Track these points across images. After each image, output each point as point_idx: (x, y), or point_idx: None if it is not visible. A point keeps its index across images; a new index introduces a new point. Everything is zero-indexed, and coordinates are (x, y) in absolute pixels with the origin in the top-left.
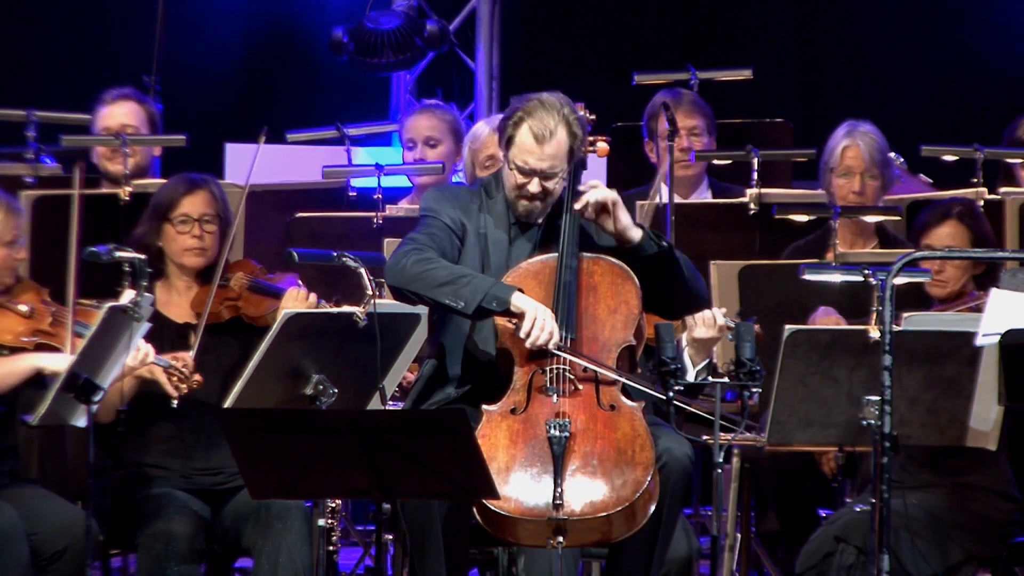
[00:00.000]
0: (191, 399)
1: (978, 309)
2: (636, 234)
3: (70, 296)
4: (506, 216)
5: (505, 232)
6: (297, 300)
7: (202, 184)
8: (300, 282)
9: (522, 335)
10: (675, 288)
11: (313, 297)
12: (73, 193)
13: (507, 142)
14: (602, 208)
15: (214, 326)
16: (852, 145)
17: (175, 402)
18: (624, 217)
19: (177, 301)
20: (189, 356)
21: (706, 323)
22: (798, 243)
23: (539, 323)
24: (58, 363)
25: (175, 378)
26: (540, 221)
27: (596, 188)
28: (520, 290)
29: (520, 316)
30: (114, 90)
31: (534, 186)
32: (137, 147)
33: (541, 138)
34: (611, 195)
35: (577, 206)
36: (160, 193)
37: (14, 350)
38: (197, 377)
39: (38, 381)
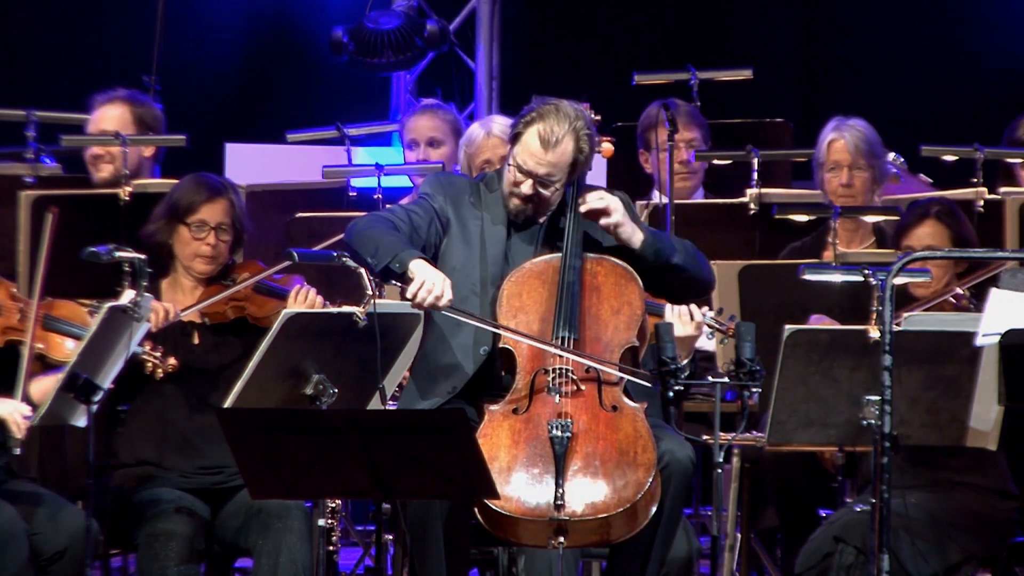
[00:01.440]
0: (194, 397)
1: (960, 308)
2: (636, 242)
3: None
4: (504, 211)
5: (504, 226)
6: (301, 302)
7: (223, 192)
8: (306, 284)
9: (408, 296)
10: (676, 281)
11: (320, 299)
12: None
13: (514, 138)
14: (603, 215)
15: (218, 325)
16: (837, 138)
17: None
18: (626, 227)
19: (182, 299)
20: (160, 305)
21: (683, 320)
22: (795, 244)
23: (427, 285)
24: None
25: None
26: (542, 220)
27: (602, 199)
28: (427, 260)
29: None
30: (103, 93)
31: (527, 187)
32: (119, 154)
33: (546, 143)
34: (615, 209)
35: (582, 209)
36: (179, 193)
37: None
38: (172, 361)
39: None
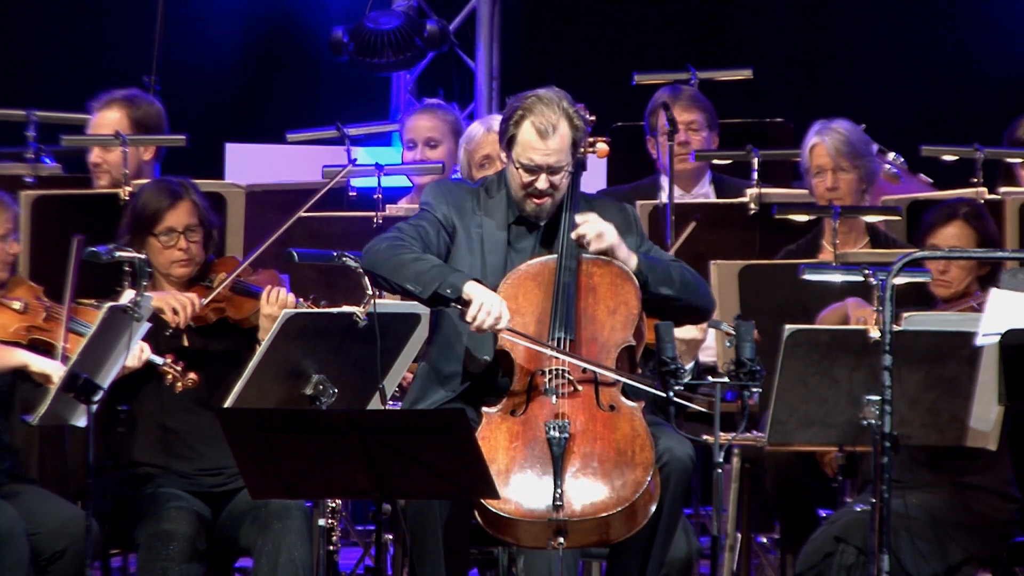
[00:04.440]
0: (190, 399)
1: (979, 309)
2: (631, 265)
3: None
4: (506, 216)
5: (504, 232)
6: (274, 303)
7: (183, 194)
8: (280, 280)
9: (468, 319)
10: (668, 311)
11: (291, 298)
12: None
13: (509, 142)
14: (595, 241)
15: (202, 328)
16: (819, 143)
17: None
18: (620, 254)
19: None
20: (185, 298)
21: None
22: (790, 247)
23: (485, 308)
24: (45, 366)
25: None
26: (541, 223)
27: (600, 236)
28: (478, 280)
29: (469, 304)
30: (102, 97)
31: (542, 183)
32: (116, 163)
33: (544, 133)
34: (609, 241)
35: (574, 235)
36: (141, 205)
37: (6, 345)
38: (192, 375)
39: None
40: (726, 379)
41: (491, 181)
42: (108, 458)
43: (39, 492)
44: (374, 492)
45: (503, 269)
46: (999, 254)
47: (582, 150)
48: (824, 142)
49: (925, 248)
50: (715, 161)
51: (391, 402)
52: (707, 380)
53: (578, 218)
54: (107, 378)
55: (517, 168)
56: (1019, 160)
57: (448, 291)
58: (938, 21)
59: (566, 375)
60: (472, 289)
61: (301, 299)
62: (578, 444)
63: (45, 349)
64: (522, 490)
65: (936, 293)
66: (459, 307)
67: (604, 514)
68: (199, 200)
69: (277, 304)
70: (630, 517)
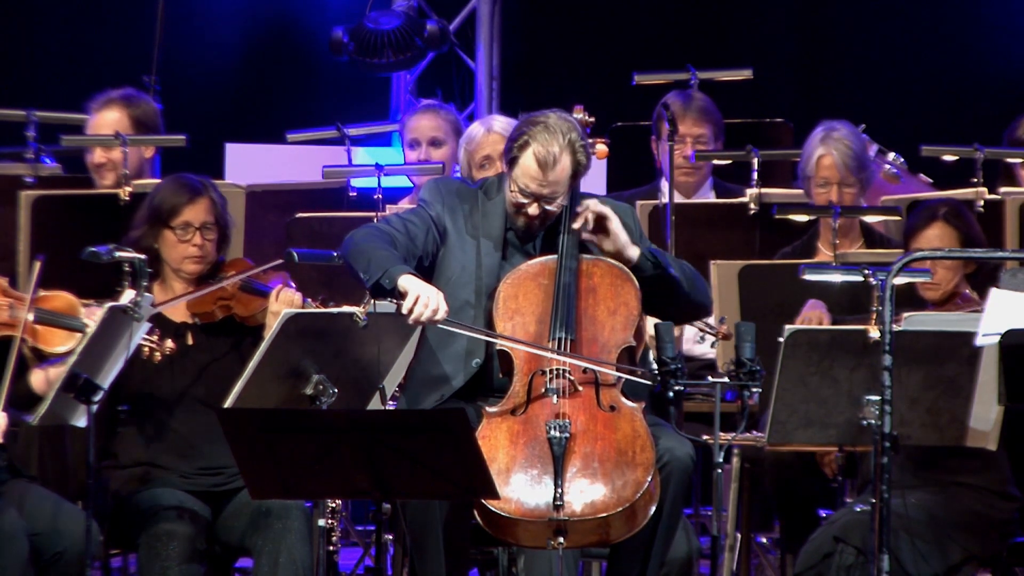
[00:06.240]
0: (190, 398)
1: (968, 307)
2: (633, 253)
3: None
4: (503, 220)
5: (500, 235)
6: (282, 301)
7: (203, 191)
8: (291, 282)
9: (404, 311)
10: (674, 300)
11: (298, 297)
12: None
13: (511, 162)
14: (599, 225)
15: (207, 325)
16: (827, 154)
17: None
18: (621, 236)
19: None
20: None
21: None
22: (785, 249)
23: (422, 300)
24: None
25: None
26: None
27: (604, 214)
28: (416, 275)
29: (405, 295)
30: (100, 96)
31: (534, 209)
32: (121, 160)
33: (545, 165)
34: (608, 211)
35: (576, 225)
36: (160, 197)
37: None
38: (169, 344)
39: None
40: (726, 379)
41: (491, 183)
42: (108, 458)
43: (39, 492)
44: (374, 492)
45: (498, 272)
46: (999, 254)
47: (586, 173)
48: (832, 155)
49: (910, 252)
50: (715, 161)
51: (391, 402)
52: (707, 380)
53: (579, 208)
54: (107, 378)
55: (513, 190)
56: (1019, 160)
57: (386, 282)
58: (938, 21)
59: (567, 375)
60: (407, 282)
61: (309, 299)
62: (579, 444)
63: (8, 343)
64: (522, 490)
65: (925, 296)
66: (395, 300)
67: (604, 514)
68: (218, 199)
69: (286, 303)
70: (630, 517)
